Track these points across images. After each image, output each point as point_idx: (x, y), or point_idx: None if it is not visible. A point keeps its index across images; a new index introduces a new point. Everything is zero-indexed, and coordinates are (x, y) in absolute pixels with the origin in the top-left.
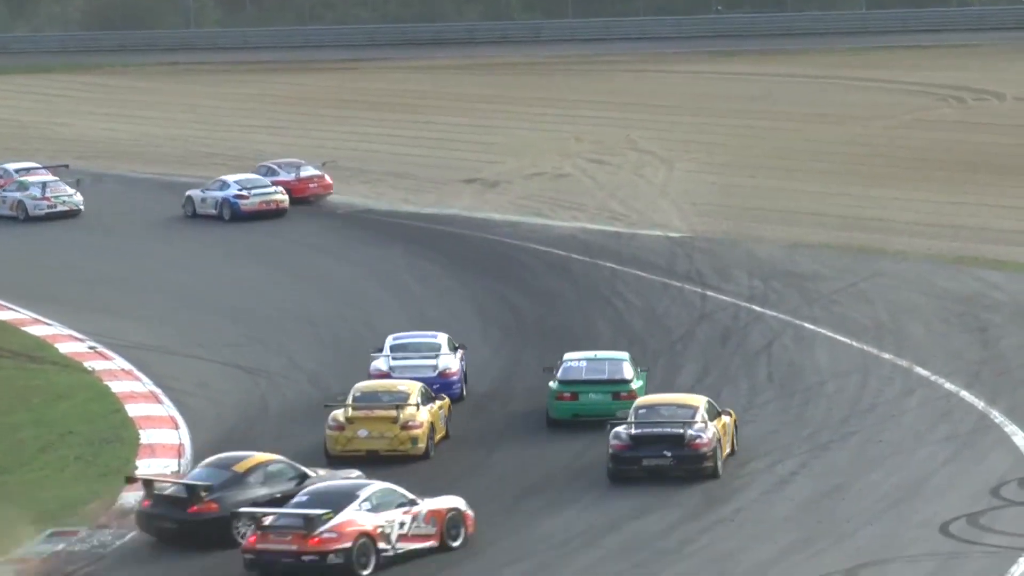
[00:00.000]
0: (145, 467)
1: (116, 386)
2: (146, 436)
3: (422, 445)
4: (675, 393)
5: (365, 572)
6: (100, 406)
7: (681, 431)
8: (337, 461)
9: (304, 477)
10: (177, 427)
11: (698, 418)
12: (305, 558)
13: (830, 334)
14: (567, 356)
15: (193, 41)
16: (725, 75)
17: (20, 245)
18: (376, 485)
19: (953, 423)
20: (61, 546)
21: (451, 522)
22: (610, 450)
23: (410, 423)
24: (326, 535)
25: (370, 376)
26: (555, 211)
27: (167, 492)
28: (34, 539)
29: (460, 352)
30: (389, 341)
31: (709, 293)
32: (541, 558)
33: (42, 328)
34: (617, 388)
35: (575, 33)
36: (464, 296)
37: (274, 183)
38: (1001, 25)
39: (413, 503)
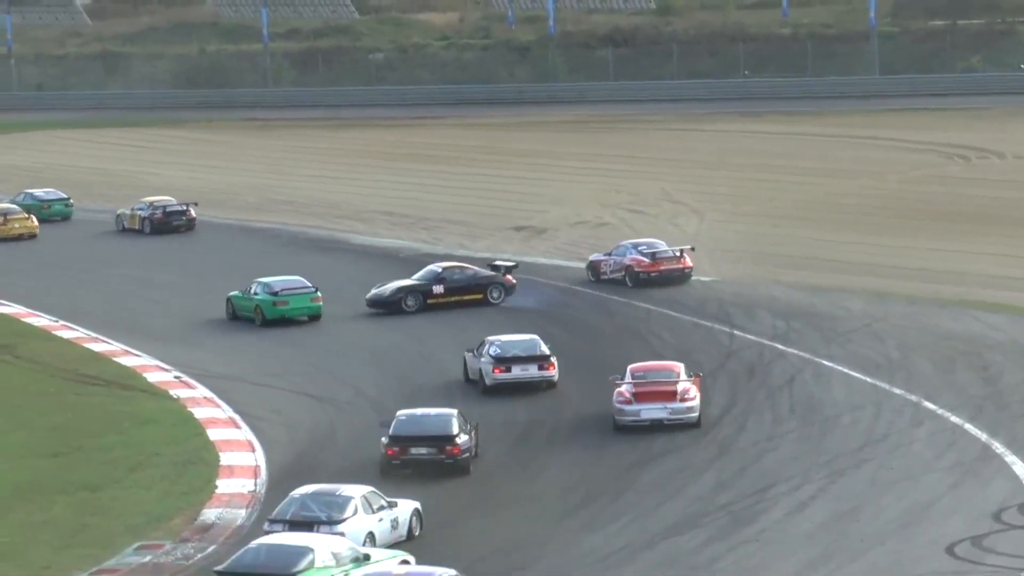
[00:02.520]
0: (225, 487)
1: (198, 412)
2: (225, 458)
3: None
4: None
5: None
6: (184, 430)
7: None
8: None
9: None
10: (254, 450)
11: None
12: None
13: (846, 370)
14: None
15: (269, 99)
16: (751, 133)
17: (111, 282)
18: None
19: (958, 452)
20: (148, 558)
21: None
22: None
23: None
24: None
25: None
26: None
27: None
28: (124, 551)
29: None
30: None
31: (736, 332)
32: (585, 572)
33: (132, 359)
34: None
35: (615, 95)
36: (514, 332)
37: None
38: (1002, 90)
39: None
